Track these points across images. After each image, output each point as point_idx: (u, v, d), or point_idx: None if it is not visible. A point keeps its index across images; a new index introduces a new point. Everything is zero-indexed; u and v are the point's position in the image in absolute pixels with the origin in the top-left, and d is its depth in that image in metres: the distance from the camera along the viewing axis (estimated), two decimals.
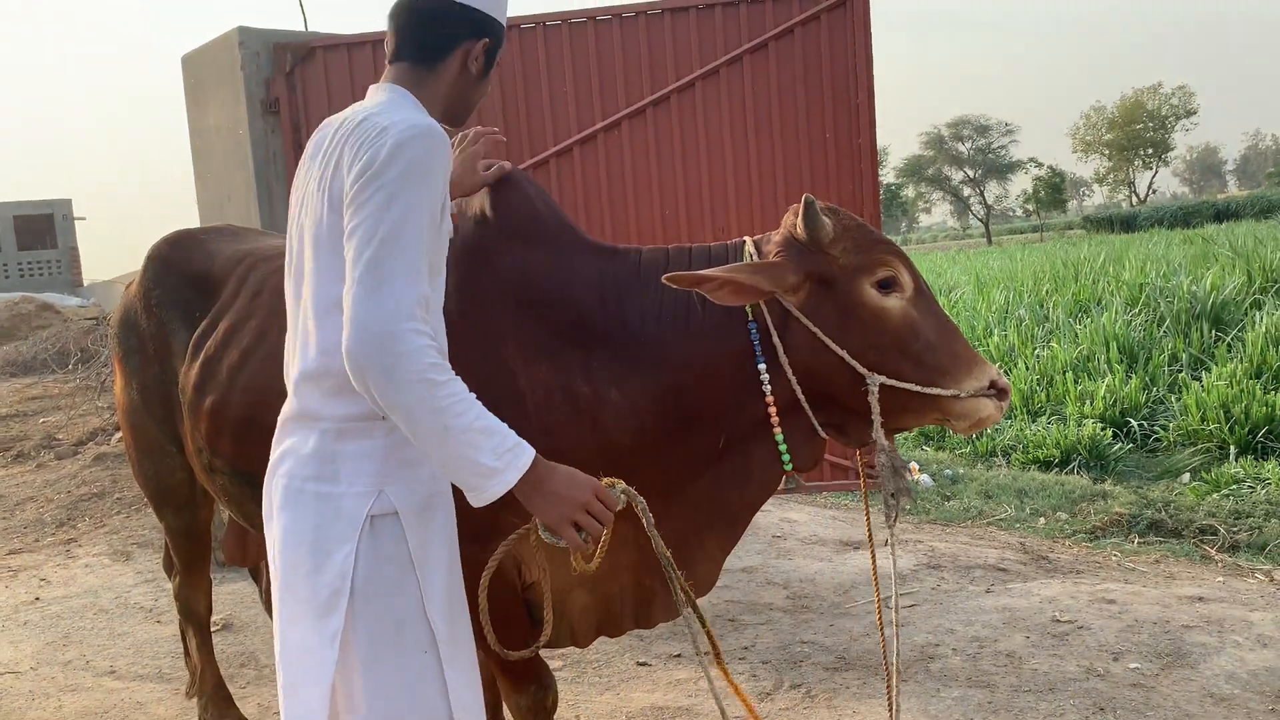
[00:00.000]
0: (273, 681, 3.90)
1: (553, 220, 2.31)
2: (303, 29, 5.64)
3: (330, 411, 1.77)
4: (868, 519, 2.36)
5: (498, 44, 1.94)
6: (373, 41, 5.13)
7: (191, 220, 6.06)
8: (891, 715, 2.33)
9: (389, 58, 1.93)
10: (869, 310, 2.10)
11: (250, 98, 5.14)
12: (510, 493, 1.85)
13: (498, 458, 1.63)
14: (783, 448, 2.17)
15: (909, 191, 68.33)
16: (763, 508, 6.33)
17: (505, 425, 1.66)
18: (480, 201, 2.35)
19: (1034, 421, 8.73)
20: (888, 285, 2.11)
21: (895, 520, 2.18)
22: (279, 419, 1.90)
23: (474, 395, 1.65)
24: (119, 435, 8.22)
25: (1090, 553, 5.55)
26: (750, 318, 2.14)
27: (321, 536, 1.74)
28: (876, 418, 2.08)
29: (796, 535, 5.69)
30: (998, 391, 2.09)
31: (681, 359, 2.18)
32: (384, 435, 1.75)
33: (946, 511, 6.64)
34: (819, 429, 2.19)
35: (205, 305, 2.82)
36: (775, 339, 2.11)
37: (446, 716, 1.79)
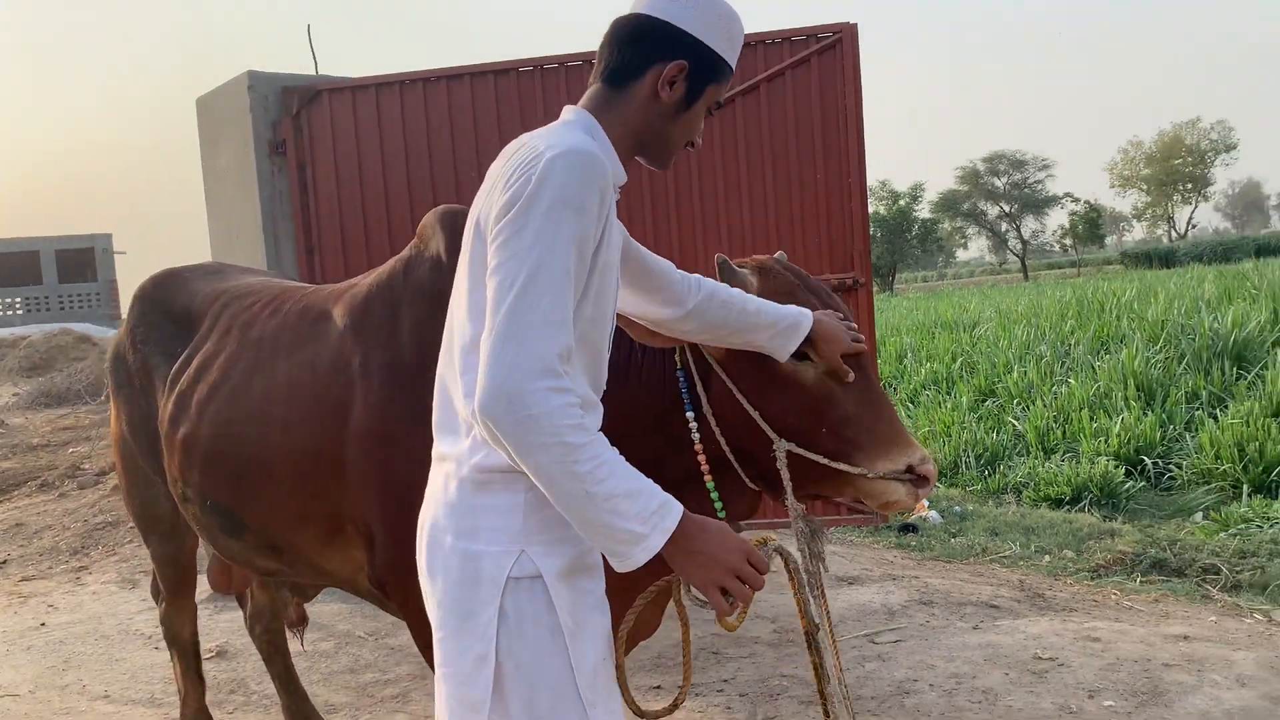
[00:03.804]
0: (260, 707, 3.99)
1: None
2: (314, 73, 5.83)
3: (471, 460, 1.61)
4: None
5: (706, 73, 1.70)
6: (376, 85, 5.30)
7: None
8: None
9: (590, 78, 1.78)
10: (783, 376, 2.05)
11: (258, 139, 5.31)
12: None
13: (643, 522, 1.48)
14: (714, 495, 2.15)
15: (945, 226, 67.99)
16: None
17: (650, 483, 1.52)
18: (436, 245, 2.44)
19: (1048, 459, 8.68)
20: (802, 354, 2.04)
21: (809, 584, 2.06)
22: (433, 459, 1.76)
23: (616, 452, 1.51)
24: None
25: (1090, 591, 5.52)
26: (679, 366, 2.15)
27: (463, 596, 1.60)
28: (787, 483, 2.04)
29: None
30: (916, 478, 1.98)
31: (619, 403, 2.23)
32: (525, 491, 1.58)
33: (951, 549, 6.62)
34: (748, 482, 2.16)
35: (184, 341, 2.94)
36: (700, 389, 2.12)
37: None
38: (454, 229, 2.43)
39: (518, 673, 1.57)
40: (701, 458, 2.12)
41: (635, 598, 1.80)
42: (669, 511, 1.51)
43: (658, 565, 1.54)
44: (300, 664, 3.89)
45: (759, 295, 2.10)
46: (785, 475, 2.02)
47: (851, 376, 2.01)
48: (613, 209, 1.62)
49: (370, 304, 2.46)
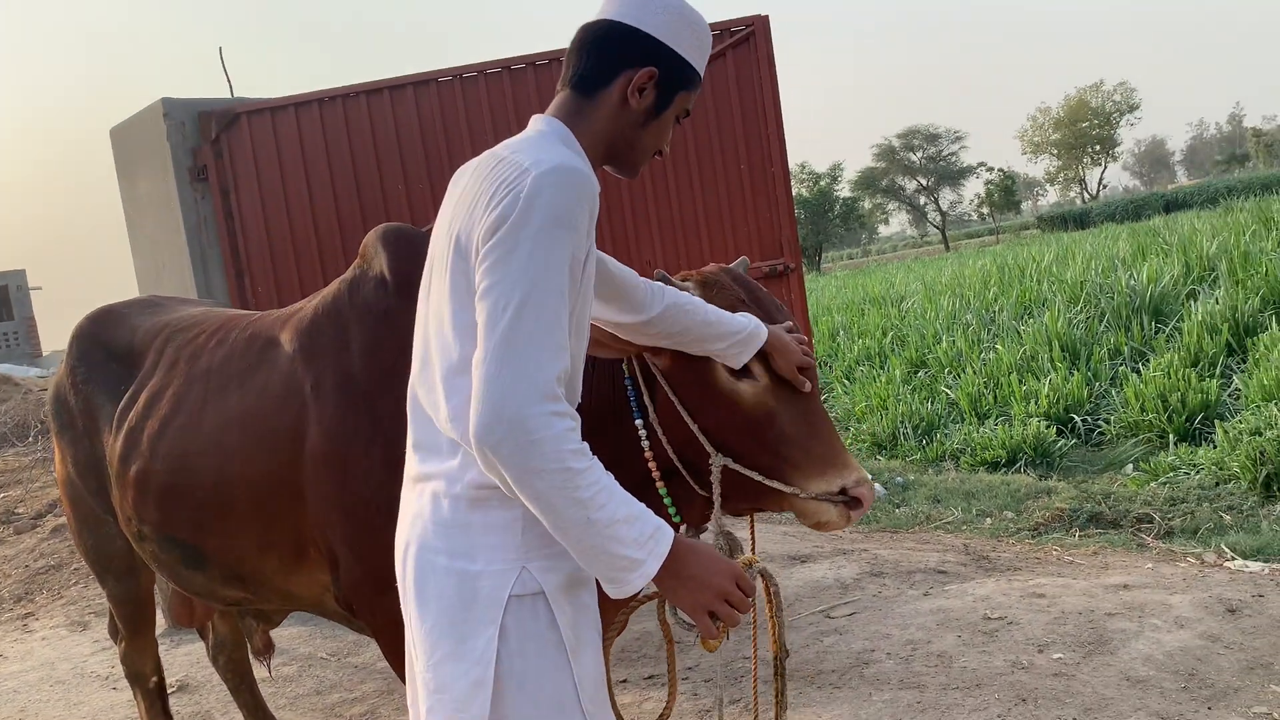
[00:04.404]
0: None
1: None
2: (229, 96, 5.77)
3: (464, 477, 1.58)
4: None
5: (675, 80, 1.69)
6: (294, 104, 5.27)
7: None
8: None
9: (558, 84, 1.75)
10: (721, 392, 2.03)
11: (178, 166, 5.25)
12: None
13: (640, 548, 1.48)
14: (667, 500, 2.14)
15: (866, 204, 69.01)
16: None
17: (643, 507, 1.52)
18: (379, 264, 2.47)
19: (982, 424, 8.90)
20: (742, 371, 2.02)
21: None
22: (404, 479, 1.72)
23: (612, 477, 1.50)
24: None
25: (1032, 549, 5.71)
26: (628, 374, 2.14)
27: (459, 619, 1.56)
28: (717, 498, 2.04)
29: (744, 551, 5.81)
30: (849, 499, 1.97)
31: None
32: (522, 506, 1.52)
33: (896, 519, 6.78)
34: (698, 489, 2.15)
35: (128, 378, 2.93)
36: (646, 398, 2.11)
37: None
38: (396, 247, 2.48)
39: (520, 692, 1.55)
40: (652, 465, 2.10)
41: (616, 612, 1.84)
42: (663, 536, 1.51)
43: None
44: (265, 690, 3.88)
45: None
46: (716, 489, 2.02)
47: (808, 386, 2.02)
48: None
49: (318, 326, 2.48)
